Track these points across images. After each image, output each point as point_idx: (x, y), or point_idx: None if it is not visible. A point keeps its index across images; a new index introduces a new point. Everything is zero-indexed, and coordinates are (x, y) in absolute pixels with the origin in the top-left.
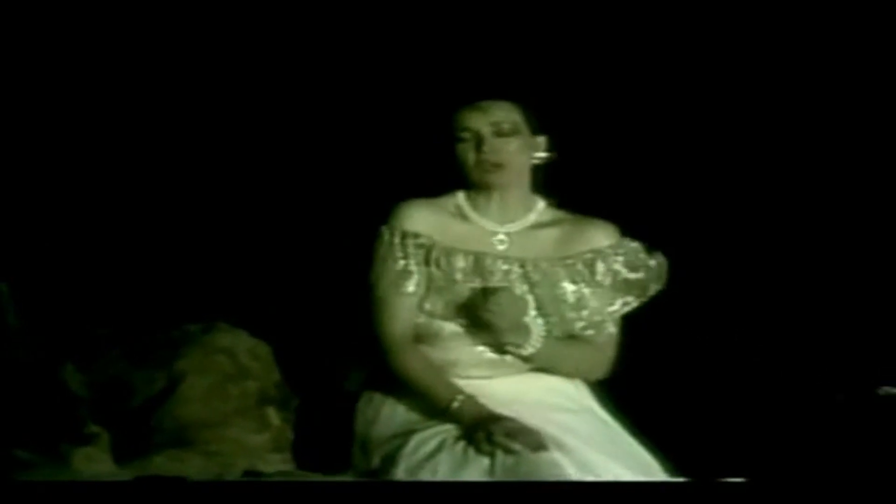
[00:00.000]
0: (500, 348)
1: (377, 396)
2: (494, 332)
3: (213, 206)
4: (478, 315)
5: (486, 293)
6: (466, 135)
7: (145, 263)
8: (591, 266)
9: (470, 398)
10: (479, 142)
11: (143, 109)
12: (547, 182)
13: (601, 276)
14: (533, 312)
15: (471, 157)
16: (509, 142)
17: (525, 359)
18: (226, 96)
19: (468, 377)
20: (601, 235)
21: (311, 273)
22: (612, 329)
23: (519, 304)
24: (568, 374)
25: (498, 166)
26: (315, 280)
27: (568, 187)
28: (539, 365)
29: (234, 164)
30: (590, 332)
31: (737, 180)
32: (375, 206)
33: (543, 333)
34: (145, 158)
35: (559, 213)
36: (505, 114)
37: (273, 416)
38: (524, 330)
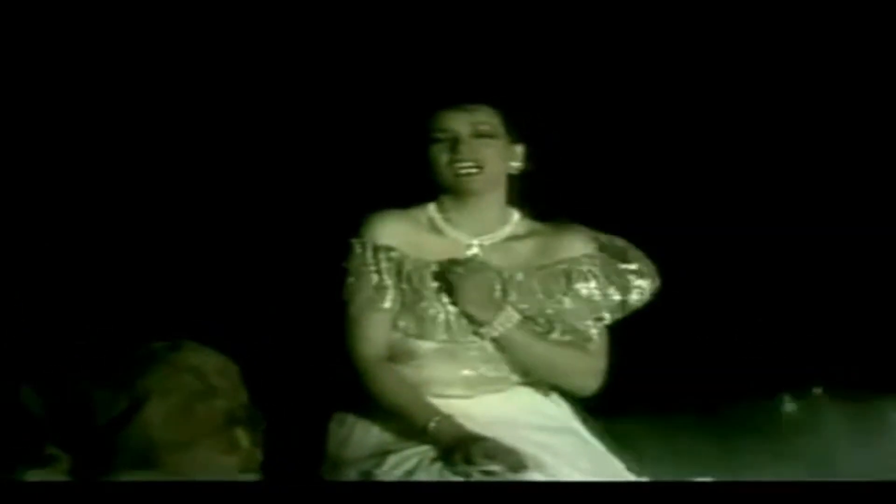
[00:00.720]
0: (468, 324)
1: (350, 417)
2: (461, 300)
3: (180, 219)
4: (446, 280)
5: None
6: (442, 135)
7: (109, 279)
8: (567, 275)
9: (447, 418)
10: (455, 142)
11: (95, 126)
12: (524, 192)
13: (578, 284)
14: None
15: (444, 158)
16: (488, 144)
17: (498, 345)
18: (187, 112)
19: (446, 396)
20: (579, 244)
21: (282, 289)
22: (596, 336)
23: (489, 276)
24: (553, 380)
25: (474, 168)
26: (285, 296)
27: (545, 198)
28: (515, 357)
29: (201, 176)
30: (569, 337)
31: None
32: (346, 218)
33: (517, 318)
34: (109, 172)
35: (535, 225)
36: (486, 116)
37: (242, 437)
38: (494, 305)
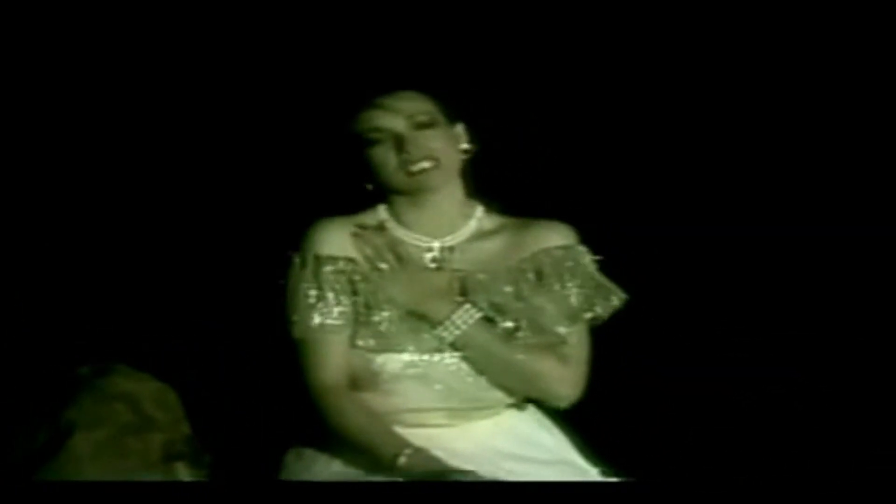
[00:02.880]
0: (415, 326)
1: (308, 450)
2: (410, 299)
3: (110, 226)
4: (398, 283)
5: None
6: (379, 135)
7: (28, 294)
8: (537, 270)
9: (419, 451)
10: (398, 141)
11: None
12: (482, 184)
13: (550, 280)
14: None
15: (391, 160)
16: (434, 134)
17: (453, 347)
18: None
19: (420, 425)
20: (554, 236)
21: (228, 308)
22: (573, 339)
23: (442, 273)
24: (523, 389)
25: (428, 164)
26: (234, 315)
27: (510, 190)
28: (477, 362)
29: (134, 180)
30: (535, 339)
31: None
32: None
33: (475, 316)
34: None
35: (504, 220)
36: (418, 104)
37: (183, 474)
38: (448, 301)
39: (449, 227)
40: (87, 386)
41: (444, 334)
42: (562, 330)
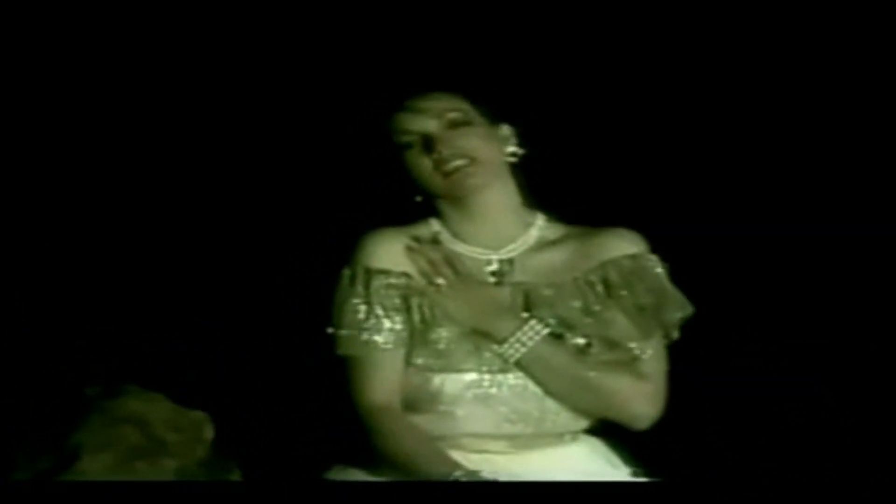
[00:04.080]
0: (478, 343)
1: (352, 470)
2: (471, 316)
3: (124, 232)
4: (457, 299)
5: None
6: (409, 137)
7: (35, 308)
8: (605, 281)
9: (472, 474)
10: (428, 141)
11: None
12: (543, 193)
13: (618, 289)
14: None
15: (424, 162)
16: (468, 132)
17: (519, 366)
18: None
19: (480, 451)
20: (622, 244)
21: (257, 322)
22: (647, 356)
23: (502, 287)
24: (598, 409)
25: (462, 161)
26: (262, 332)
27: (570, 197)
28: (547, 382)
29: (157, 185)
30: (613, 355)
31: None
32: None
33: (541, 332)
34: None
35: (569, 229)
36: (449, 103)
37: None
38: (513, 317)
39: (507, 236)
40: (96, 407)
41: (510, 352)
42: (634, 345)
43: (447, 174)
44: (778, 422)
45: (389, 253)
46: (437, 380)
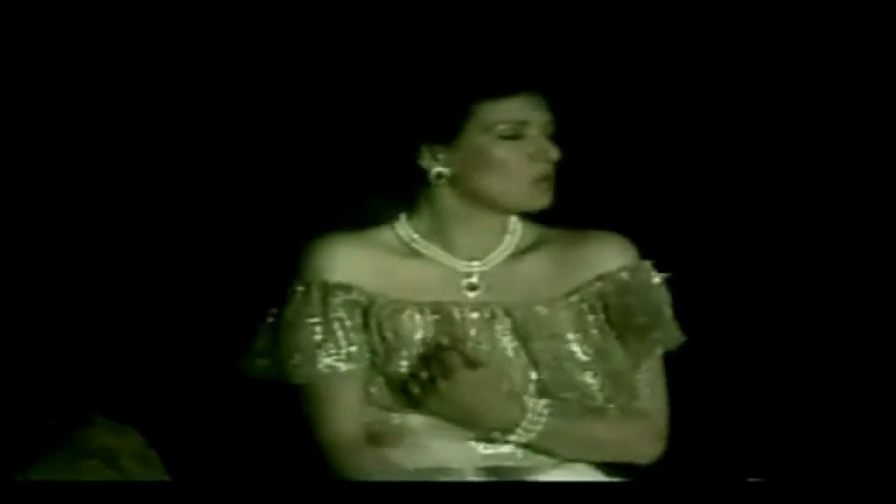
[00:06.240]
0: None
1: None
2: (470, 415)
3: (86, 258)
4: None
5: (433, 361)
6: (522, 130)
7: None
8: (602, 299)
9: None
10: (537, 145)
11: None
12: None
13: (614, 310)
14: (531, 375)
15: (528, 167)
16: (557, 149)
17: (527, 447)
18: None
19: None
20: (612, 253)
21: (221, 349)
22: (648, 385)
23: (491, 376)
24: (608, 459)
25: (552, 182)
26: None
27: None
28: (551, 453)
29: (114, 212)
30: (615, 401)
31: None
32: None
33: (546, 410)
34: None
35: (545, 231)
36: (547, 107)
37: None
38: (511, 405)
39: (486, 246)
40: (59, 439)
41: (516, 439)
42: (634, 374)
43: (536, 182)
44: (776, 421)
45: (348, 264)
46: (396, 417)
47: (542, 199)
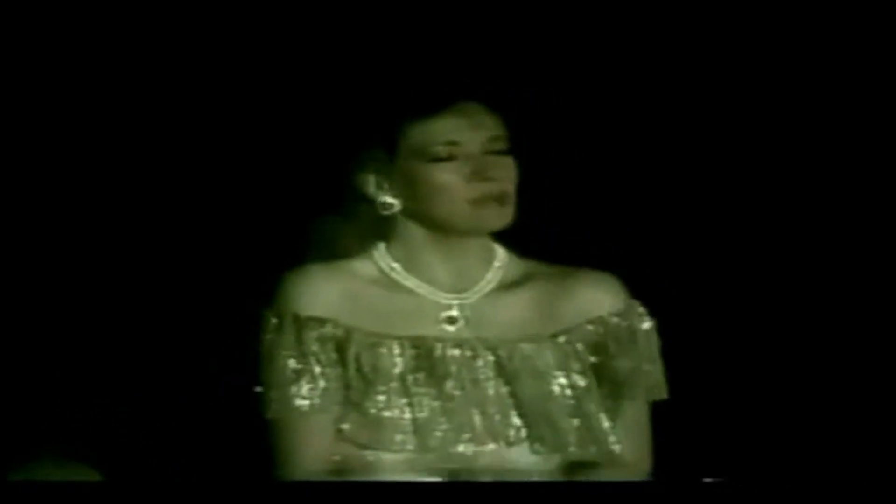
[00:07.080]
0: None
1: None
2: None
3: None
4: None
5: None
6: (455, 151)
7: None
8: (590, 344)
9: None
10: (475, 165)
11: None
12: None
13: (603, 357)
14: (511, 416)
15: (465, 189)
16: (508, 162)
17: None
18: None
19: None
20: (604, 296)
21: (178, 383)
22: (627, 438)
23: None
24: None
25: (500, 195)
26: (185, 392)
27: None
28: None
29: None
30: (586, 448)
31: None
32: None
33: (531, 462)
34: None
35: (529, 265)
36: (494, 122)
37: None
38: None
39: (470, 278)
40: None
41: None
42: (609, 423)
43: (478, 203)
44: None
45: (323, 296)
46: (370, 454)
47: (492, 221)
